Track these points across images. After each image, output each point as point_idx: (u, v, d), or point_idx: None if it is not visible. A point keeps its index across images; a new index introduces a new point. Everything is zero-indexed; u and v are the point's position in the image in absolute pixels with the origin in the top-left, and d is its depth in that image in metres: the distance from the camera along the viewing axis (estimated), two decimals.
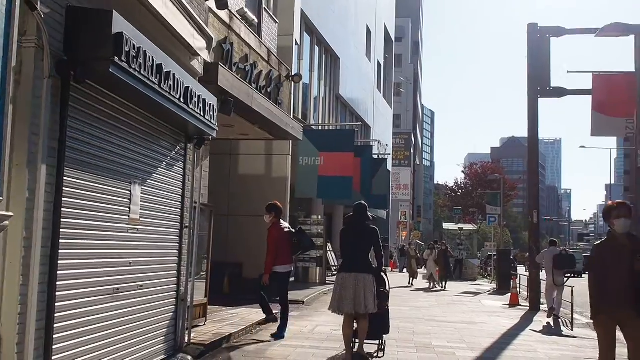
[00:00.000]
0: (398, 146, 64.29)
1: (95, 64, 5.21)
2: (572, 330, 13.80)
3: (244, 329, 10.37)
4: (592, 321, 6.52)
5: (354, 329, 8.70)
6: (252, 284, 17.37)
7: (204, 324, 10.17)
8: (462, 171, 61.81)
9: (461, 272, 34.05)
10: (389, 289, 9.14)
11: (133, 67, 5.50)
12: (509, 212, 62.83)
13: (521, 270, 29.65)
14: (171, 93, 6.42)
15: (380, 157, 32.40)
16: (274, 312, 10.63)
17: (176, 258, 7.95)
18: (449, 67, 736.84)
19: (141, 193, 6.78)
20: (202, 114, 7.42)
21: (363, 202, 9.03)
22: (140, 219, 6.78)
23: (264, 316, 11.75)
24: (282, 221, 10.59)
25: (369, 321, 8.47)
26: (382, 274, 8.99)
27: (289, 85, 15.14)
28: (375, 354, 9.03)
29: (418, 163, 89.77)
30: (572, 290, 15.88)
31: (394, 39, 51.02)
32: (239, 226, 17.84)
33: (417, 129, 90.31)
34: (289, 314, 13.96)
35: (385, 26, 44.69)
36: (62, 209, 5.15)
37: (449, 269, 27.31)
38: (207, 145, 8.78)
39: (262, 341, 10.00)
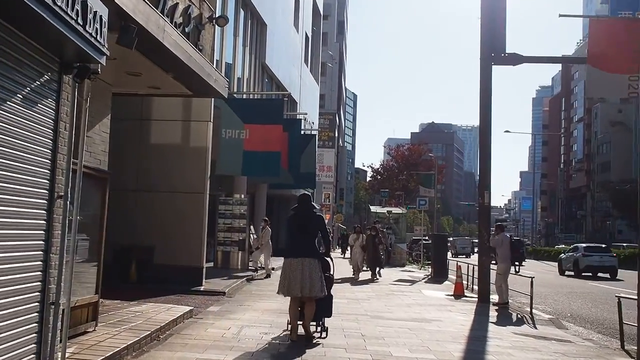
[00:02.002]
0: (322, 126, 62.21)
1: None
2: (535, 327, 11.98)
3: (148, 335, 7.84)
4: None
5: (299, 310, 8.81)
6: (164, 272, 14.89)
7: (94, 330, 7.59)
8: (388, 153, 60.14)
9: (389, 258, 32.20)
10: (333, 273, 9.45)
11: None
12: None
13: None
14: None
15: (307, 133, 30.15)
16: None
17: (41, 243, 5.38)
18: (372, 51, 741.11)
19: None
20: (82, 23, 4.87)
21: (306, 192, 10.01)
22: None
23: (176, 315, 9.31)
24: None
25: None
26: (328, 258, 9.17)
27: (212, 31, 12.57)
28: (319, 336, 8.96)
29: (341, 145, 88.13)
30: (531, 281, 14.14)
31: (322, 13, 48.76)
32: (150, 204, 15.29)
33: (341, 110, 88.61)
34: (208, 309, 11.60)
35: None
36: None
37: (379, 257, 22.91)
38: (95, 81, 6.18)
39: (172, 351, 7.52)
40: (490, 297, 15.91)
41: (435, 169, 34.61)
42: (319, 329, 9.07)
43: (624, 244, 49.95)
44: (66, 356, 5.79)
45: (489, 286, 16.07)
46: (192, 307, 10.61)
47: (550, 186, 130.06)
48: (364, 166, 58.93)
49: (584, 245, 33.86)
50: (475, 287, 18.92)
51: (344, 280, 20.62)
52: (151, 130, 15.63)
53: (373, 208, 41.60)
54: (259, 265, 21.47)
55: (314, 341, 8.64)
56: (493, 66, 16.64)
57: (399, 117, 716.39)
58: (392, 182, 54.03)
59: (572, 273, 31.93)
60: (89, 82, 5.77)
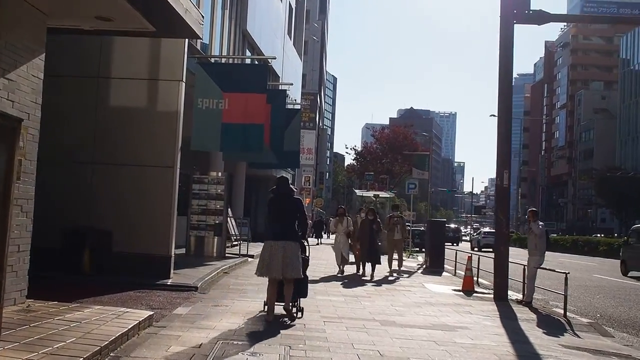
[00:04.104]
0: (303, 107, 59.52)
1: None
2: (578, 336, 9.75)
3: None
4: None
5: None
6: (125, 261, 12.37)
7: None
8: (372, 135, 57.52)
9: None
10: (309, 255, 9.75)
11: None
12: (405, 182, 60.11)
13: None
14: None
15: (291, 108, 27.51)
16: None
17: None
18: (352, 34, 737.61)
19: None
20: None
21: (284, 174, 9.48)
22: None
23: (128, 326, 6.82)
24: None
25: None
26: (304, 241, 9.43)
27: None
28: (295, 316, 9.11)
29: (322, 127, 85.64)
30: (566, 278, 11.86)
31: None
32: (108, 179, 12.76)
33: (321, 91, 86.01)
34: (174, 312, 9.12)
35: None
36: None
37: (375, 250, 17.35)
38: None
39: None
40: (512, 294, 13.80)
41: (430, 150, 32.17)
42: (294, 309, 9.23)
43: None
44: None
45: (507, 281, 13.82)
46: (152, 312, 8.07)
47: (531, 173, 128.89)
48: (347, 148, 56.57)
49: (485, 230, 50.03)
50: (482, 281, 16.75)
51: (328, 277, 16.42)
52: (110, 91, 13.00)
53: (358, 192, 39.18)
54: None
55: (290, 322, 8.76)
56: (515, 25, 14.28)
57: (377, 102, 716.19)
58: (376, 166, 51.55)
59: (477, 249, 42.32)
60: None
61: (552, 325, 10.59)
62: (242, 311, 9.52)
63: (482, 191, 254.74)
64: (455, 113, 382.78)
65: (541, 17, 14.25)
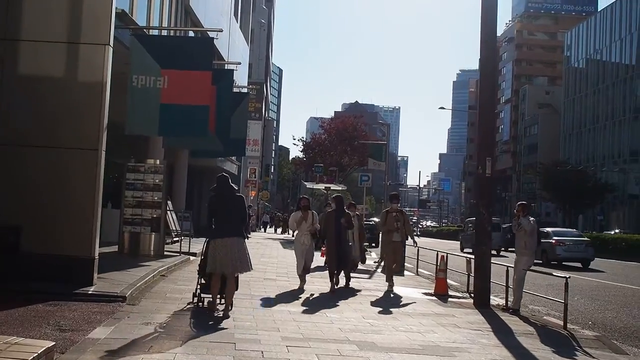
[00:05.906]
0: (250, 91, 57.00)
1: None
2: (590, 356, 8.00)
3: None
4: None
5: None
6: (37, 264, 10.07)
7: None
8: (321, 126, 55.54)
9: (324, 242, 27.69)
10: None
11: None
12: (353, 175, 58.49)
13: None
14: None
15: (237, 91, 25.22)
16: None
17: None
18: (297, 25, 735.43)
19: None
20: None
21: (224, 174, 9.42)
22: None
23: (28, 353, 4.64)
24: None
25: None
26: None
27: None
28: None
29: (268, 118, 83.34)
30: (566, 283, 10.11)
31: None
32: (16, 164, 10.45)
33: (268, 82, 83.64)
34: (89, 336, 6.93)
35: None
36: None
37: (345, 252, 13.32)
38: None
39: None
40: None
41: (387, 140, 30.42)
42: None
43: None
44: None
45: (490, 285, 12.05)
46: (53, 342, 5.85)
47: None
48: (294, 139, 54.54)
49: None
50: (450, 282, 15.00)
51: (282, 281, 13.86)
52: (19, 56, 10.57)
53: (308, 184, 37.21)
54: None
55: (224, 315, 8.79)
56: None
57: (322, 96, 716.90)
58: (325, 158, 49.59)
59: None
60: None
61: (557, 342, 8.80)
62: (179, 332, 7.40)
63: (425, 185, 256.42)
64: (399, 107, 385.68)
65: None
